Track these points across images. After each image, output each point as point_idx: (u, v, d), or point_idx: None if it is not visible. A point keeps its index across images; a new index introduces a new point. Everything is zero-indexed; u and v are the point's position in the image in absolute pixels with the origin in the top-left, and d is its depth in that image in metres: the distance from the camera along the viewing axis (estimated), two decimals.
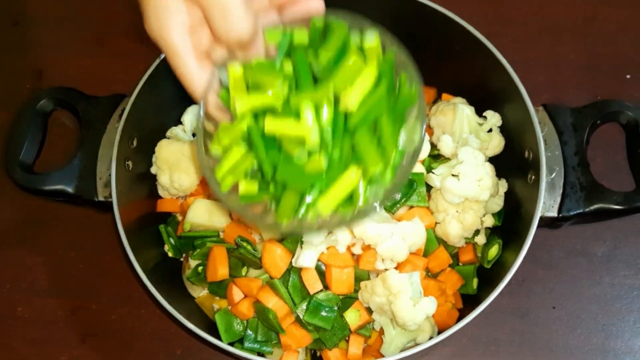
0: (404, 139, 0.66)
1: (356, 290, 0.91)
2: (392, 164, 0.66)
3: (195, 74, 0.66)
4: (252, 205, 0.69)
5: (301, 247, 0.88)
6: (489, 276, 0.94)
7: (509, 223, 0.97)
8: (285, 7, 0.71)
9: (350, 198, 0.66)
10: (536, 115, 0.89)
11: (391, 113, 0.65)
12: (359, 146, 0.64)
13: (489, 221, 0.97)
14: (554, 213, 0.89)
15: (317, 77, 0.66)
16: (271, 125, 0.64)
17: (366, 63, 0.65)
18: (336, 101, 0.64)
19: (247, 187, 0.67)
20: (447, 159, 0.96)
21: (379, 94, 0.64)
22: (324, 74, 0.65)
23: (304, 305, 0.89)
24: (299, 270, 0.90)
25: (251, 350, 0.91)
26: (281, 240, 0.90)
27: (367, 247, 0.89)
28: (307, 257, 0.87)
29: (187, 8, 0.64)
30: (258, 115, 0.66)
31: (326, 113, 0.64)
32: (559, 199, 0.89)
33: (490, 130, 0.99)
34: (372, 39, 0.65)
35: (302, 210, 0.66)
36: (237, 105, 0.65)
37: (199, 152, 0.68)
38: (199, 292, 0.99)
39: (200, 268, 0.96)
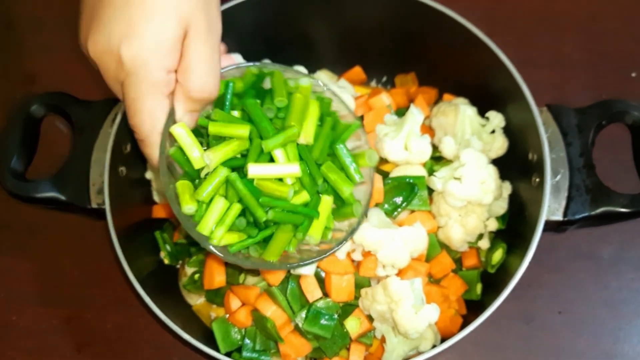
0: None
1: (356, 298, 0.90)
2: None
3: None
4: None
5: None
6: (493, 281, 0.92)
7: (514, 226, 0.95)
8: None
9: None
10: (540, 116, 0.88)
11: (339, 143, 0.77)
12: (329, 174, 0.75)
13: (493, 225, 0.95)
14: (559, 217, 0.87)
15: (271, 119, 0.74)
16: (255, 170, 0.70)
17: (308, 102, 0.75)
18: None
19: (235, 237, 0.73)
20: (449, 161, 0.95)
21: (328, 126, 0.76)
22: (280, 116, 0.74)
23: (303, 314, 0.87)
24: (297, 278, 0.88)
25: None
26: None
27: (367, 254, 0.87)
28: None
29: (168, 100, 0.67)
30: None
31: (292, 151, 0.72)
32: (564, 202, 0.88)
33: (493, 132, 0.97)
34: (306, 81, 0.76)
35: (298, 240, 0.74)
36: (212, 158, 0.70)
37: (175, 211, 0.71)
38: (196, 300, 0.97)
39: (196, 275, 0.95)
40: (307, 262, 0.74)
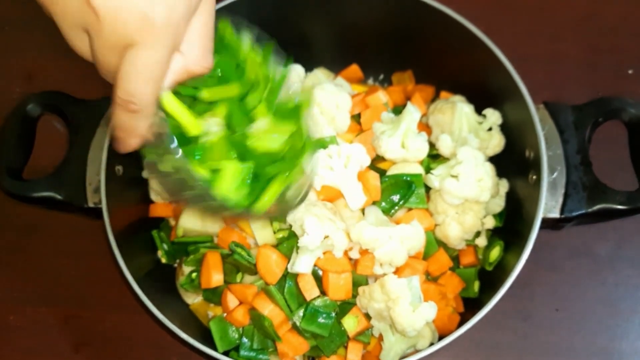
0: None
1: (354, 296, 0.89)
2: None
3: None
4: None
5: (297, 252, 0.86)
6: (490, 279, 0.92)
7: (511, 224, 0.95)
8: None
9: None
10: (537, 114, 0.88)
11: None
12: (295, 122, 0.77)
13: (490, 222, 0.95)
14: (556, 214, 0.87)
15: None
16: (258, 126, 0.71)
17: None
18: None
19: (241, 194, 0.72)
20: (446, 159, 0.95)
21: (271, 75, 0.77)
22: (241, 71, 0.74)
23: (300, 312, 0.87)
24: (295, 276, 0.88)
25: (247, 359, 0.90)
26: (277, 246, 0.89)
27: (364, 252, 0.87)
28: (303, 263, 0.85)
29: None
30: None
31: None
32: (561, 200, 0.88)
33: (490, 129, 0.97)
34: (248, 38, 0.75)
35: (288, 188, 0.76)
36: (215, 123, 0.70)
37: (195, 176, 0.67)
38: (193, 299, 0.97)
39: (194, 274, 0.94)
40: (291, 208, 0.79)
